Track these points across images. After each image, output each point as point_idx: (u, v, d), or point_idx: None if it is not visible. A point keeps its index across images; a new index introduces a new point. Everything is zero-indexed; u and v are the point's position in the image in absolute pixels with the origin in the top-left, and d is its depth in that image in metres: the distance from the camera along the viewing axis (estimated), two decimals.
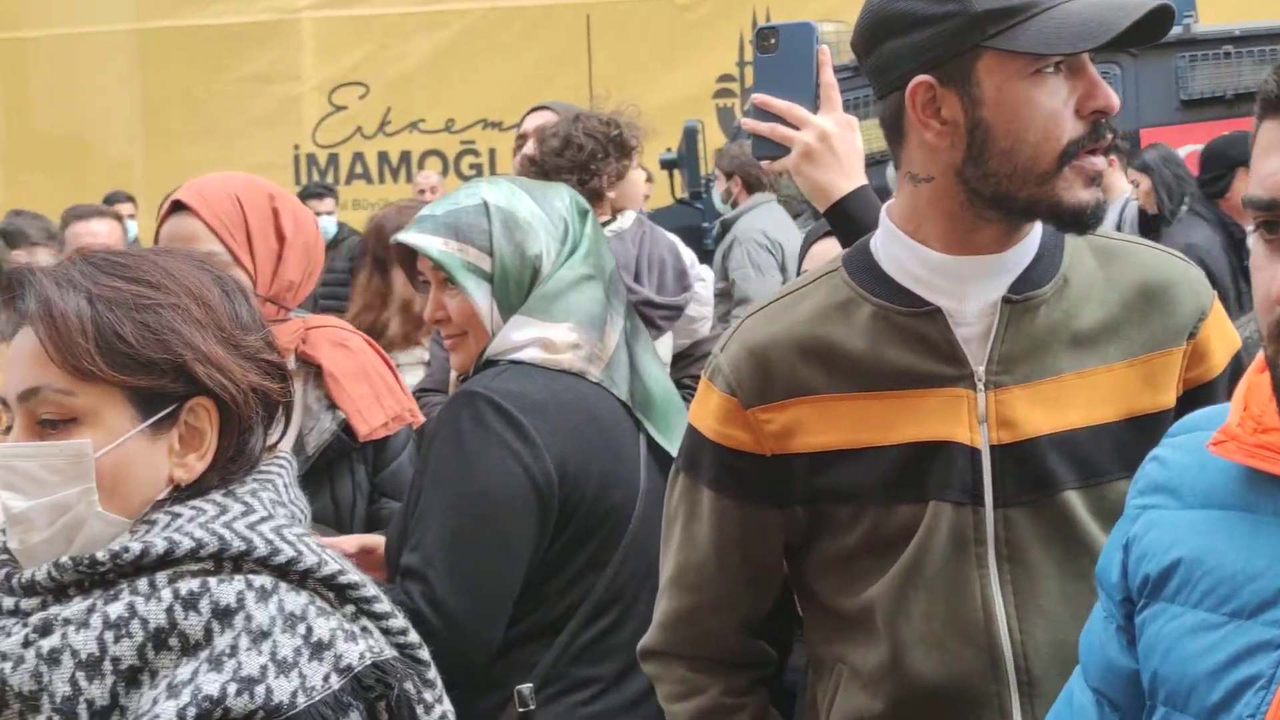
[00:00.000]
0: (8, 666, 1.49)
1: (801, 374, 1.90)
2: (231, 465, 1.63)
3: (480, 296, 2.58)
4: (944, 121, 1.81)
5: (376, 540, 2.69)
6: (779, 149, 2.19)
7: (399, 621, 1.63)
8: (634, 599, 2.54)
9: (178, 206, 2.86)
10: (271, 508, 1.62)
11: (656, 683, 2.13)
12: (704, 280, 4.28)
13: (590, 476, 2.51)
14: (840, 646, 1.97)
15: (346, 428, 2.94)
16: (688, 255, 4.33)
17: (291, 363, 2.98)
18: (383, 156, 12.52)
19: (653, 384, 2.69)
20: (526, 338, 2.55)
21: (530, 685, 2.49)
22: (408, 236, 2.63)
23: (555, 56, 11.57)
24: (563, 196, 2.71)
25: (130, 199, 10.32)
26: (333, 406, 2.94)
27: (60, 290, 1.56)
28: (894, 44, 1.82)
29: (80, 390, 1.54)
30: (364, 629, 1.57)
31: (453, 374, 3.42)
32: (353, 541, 2.67)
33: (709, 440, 1.97)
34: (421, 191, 9.40)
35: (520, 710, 2.49)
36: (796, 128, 2.18)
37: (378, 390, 3.01)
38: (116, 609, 1.49)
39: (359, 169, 12.57)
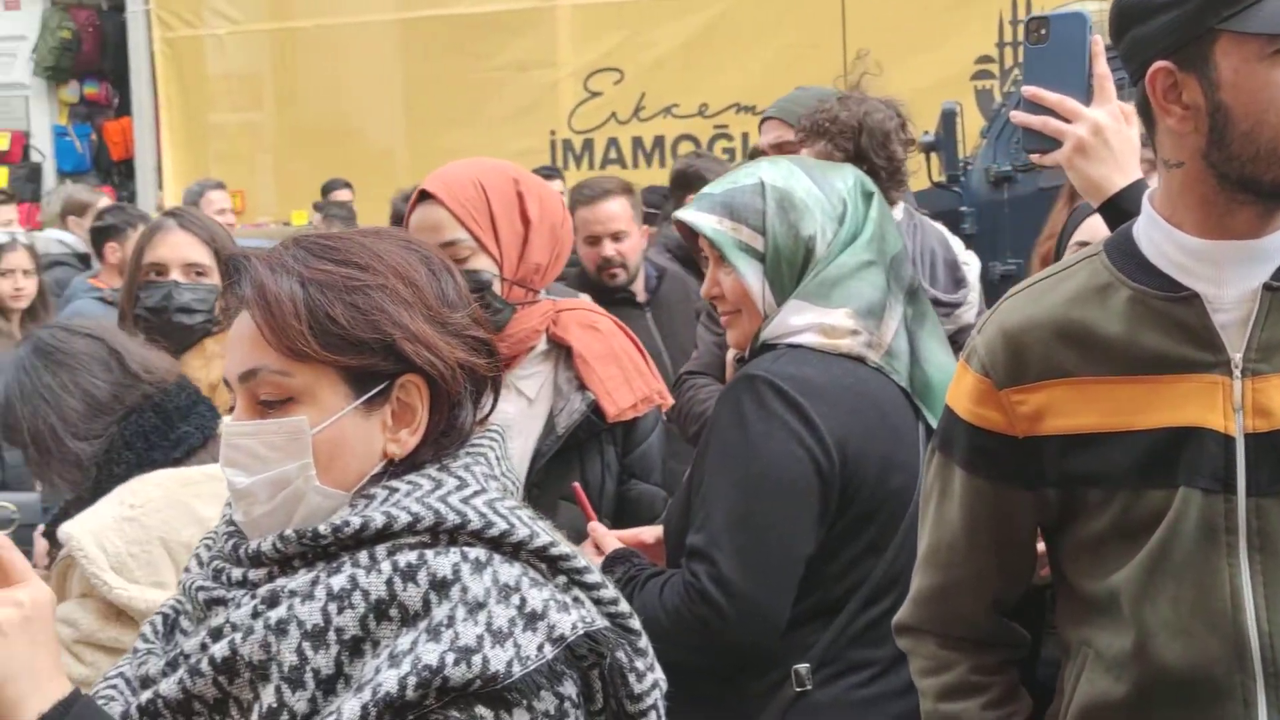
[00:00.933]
0: (238, 636, 1.55)
1: (1056, 356, 1.90)
2: (443, 440, 1.67)
3: (752, 275, 2.59)
4: (1185, 107, 1.82)
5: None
6: (1050, 143, 2.16)
7: (609, 592, 1.64)
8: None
9: (424, 196, 2.92)
10: (484, 481, 1.65)
11: (910, 657, 2.17)
12: (969, 265, 4.20)
13: (871, 460, 2.51)
14: (1087, 630, 1.97)
15: (596, 409, 2.97)
16: (956, 245, 4.25)
17: (543, 344, 3.01)
18: (637, 142, 12.59)
19: (933, 370, 2.65)
20: (804, 322, 2.56)
21: (807, 665, 2.51)
22: (686, 214, 2.66)
23: (809, 40, 11.46)
24: (846, 178, 2.69)
25: (348, 185, 10.86)
26: (582, 388, 2.98)
27: (274, 275, 1.61)
28: (1137, 31, 1.84)
29: (296, 371, 1.60)
30: (575, 599, 1.59)
31: (729, 355, 3.42)
32: (651, 533, 2.74)
33: (962, 420, 2.00)
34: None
35: (797, 690, 2.51)
36: (1069, 120, 2.14)
37: (627, 372, 3.03)
38: (339, 581, 1.54)
39: (613, 154, 12.66)
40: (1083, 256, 1.98)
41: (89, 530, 2.49)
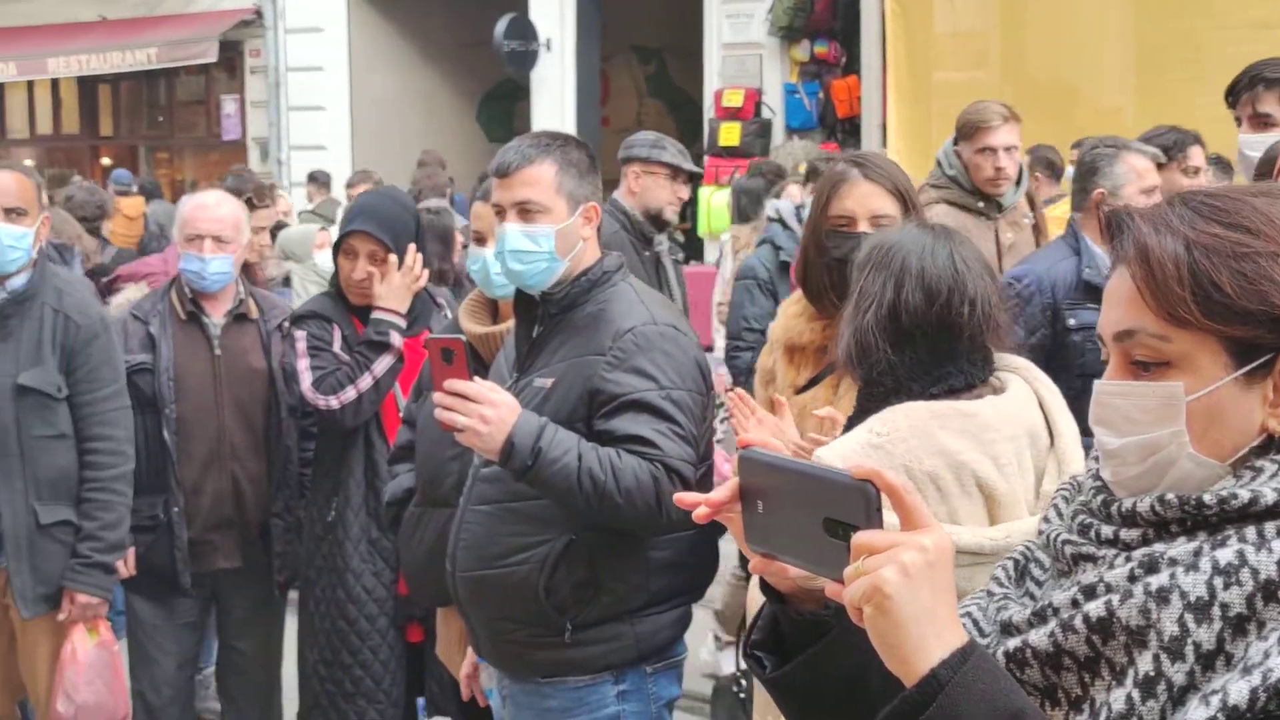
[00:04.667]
0: (1115, 598, 1.52)
1: None
2: None
3: None
4: None
5: None
6: None
7: None
8: None
9: None
10: None
11: None
12: None
13: None
14: None
15: None
16: None
17: None
18: None
19: None
20: None
21: None
22: None
23: None
24: None
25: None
26: None
27: (1157, 235, 1.56)
28: None
29: (1174, 336, 1.54)
30: None
31: None
32: None
33: None
34: None
35: None
36: None
37: None
38: (1225, 555, 1.48)
39: None
40: None
41: (836, 454, 2.61)
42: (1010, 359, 2.85)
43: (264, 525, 4.96)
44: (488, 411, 3.11)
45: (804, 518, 1.48)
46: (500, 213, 3.43)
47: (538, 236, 3.39)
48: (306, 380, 4.61)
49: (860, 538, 1.42)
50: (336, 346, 4.67)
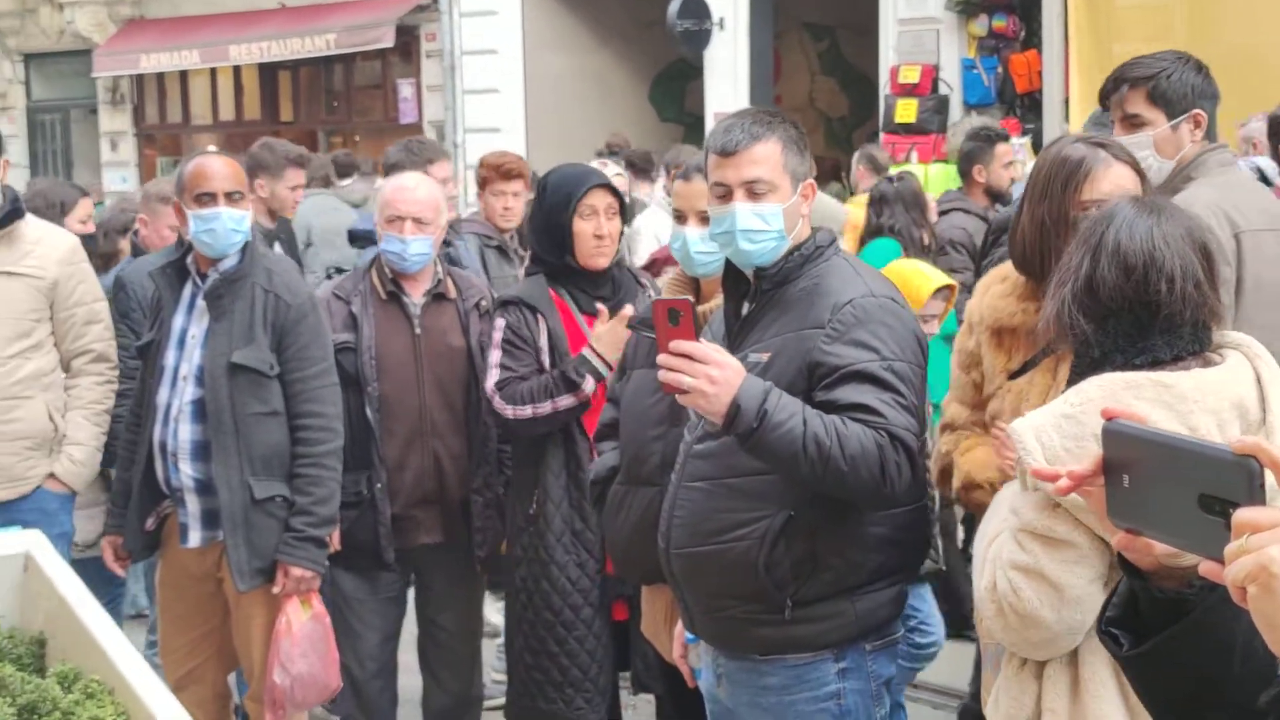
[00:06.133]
0: None
1: None
2: None
3: None
4: None
5: None
6: None
7: None
8: None
9: None
10: None
11: None
12: None
13: None
14: None
15: None
16: None
17: None
18: None
19: None
20: None
21: None
22: None
23: None
24: None
25: None
26: None
27: None
28: None
29: None
30: None
31: None
32: None
33: None
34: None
35: None
36: None
37: None
38: None
39: None
40: None
41: (1031, 425, 2.63)
42: (1235, 335, 2.80)
43: (464, 501, 5.01)
44: (714, 372, 3.09)
45: (1176, 493, 1.43)
46: (725, 193, 3.42)
47: (767, 215, 3.38)
48: (493, 377, 4.66)
49: (1243, 515, 1.36)
50: (542, 340, 4.67)
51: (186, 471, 4.57)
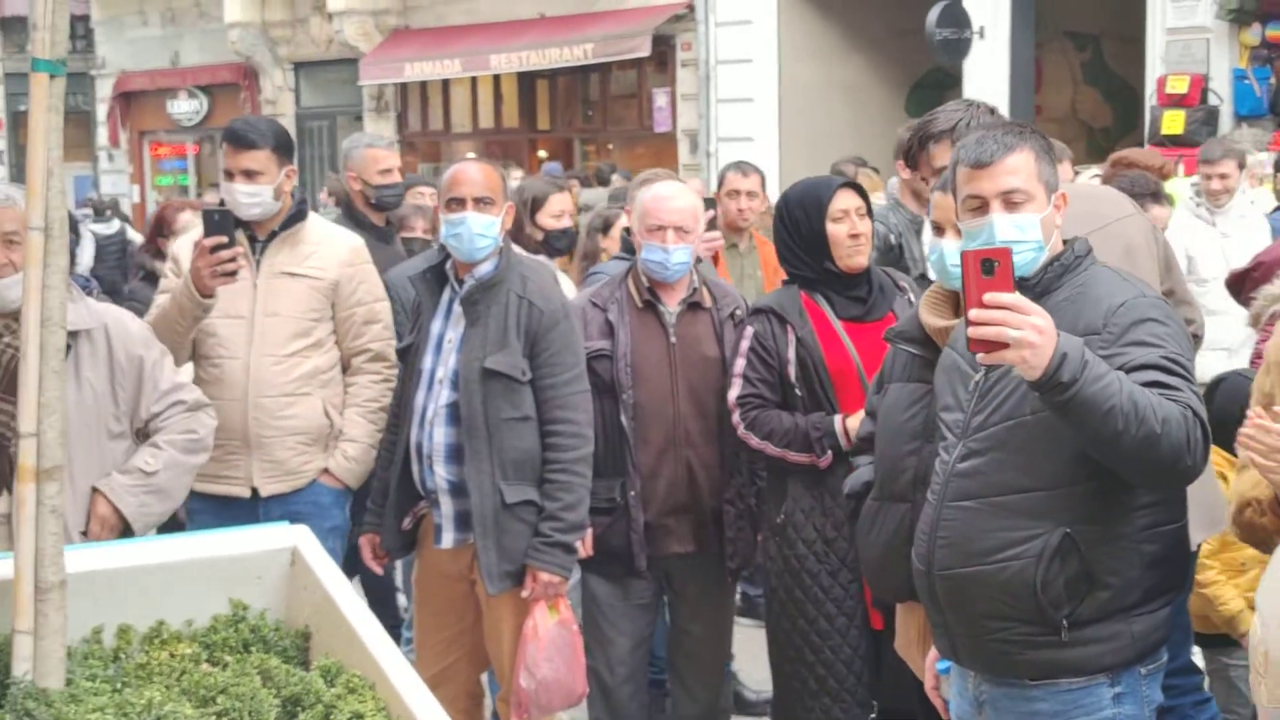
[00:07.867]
0: None
1: None
2: None
3: None
4: None
5: None
6: None
7: None
8: None
9: None
10: None
11: None
12: None
13: None
14: None
15: None
16: None
17: None
18: None
19: None
20: None
21: None
22: None
23: None
24: None
25: None
26: None
27: None
28: None
29: None
30: None
31: None
32: None
33: None
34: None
35: None
36: None
37: None
38: None
39: None
40: None
41: None
42: None
43: (717, 511, 4.99)
44: (1039, 321, 2.95)
45: None
46: (979, 205, 3.33)
47: (1024, 226, 3.31)
48: (736, 388, 4.69)
49: None
50: (789, 352, 4.66)
51: (441, 474, 4.64)
